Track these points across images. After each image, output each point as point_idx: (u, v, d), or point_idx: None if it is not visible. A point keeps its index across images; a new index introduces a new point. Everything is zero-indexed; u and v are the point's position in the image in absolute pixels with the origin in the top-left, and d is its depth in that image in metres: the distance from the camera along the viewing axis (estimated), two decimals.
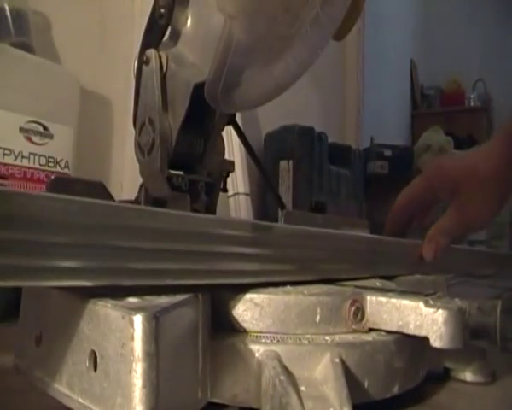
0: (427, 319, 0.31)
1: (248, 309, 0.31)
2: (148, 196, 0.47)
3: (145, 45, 0.46)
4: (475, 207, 0.59)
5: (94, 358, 0.25)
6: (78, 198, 0.23)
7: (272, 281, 0.34)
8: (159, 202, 0.46)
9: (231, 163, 0.52)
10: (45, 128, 0.79)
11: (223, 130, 0.50)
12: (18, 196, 0.21)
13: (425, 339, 0.31)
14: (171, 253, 0.27)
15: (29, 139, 0.76)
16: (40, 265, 0.21)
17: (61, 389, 0.26)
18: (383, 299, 0.33)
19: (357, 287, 0.37)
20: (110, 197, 0.46)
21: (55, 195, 0.22)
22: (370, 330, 0.34)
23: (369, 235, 0.55)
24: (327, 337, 0.31)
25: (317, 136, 1.63)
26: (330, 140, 1.72)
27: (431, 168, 0.64)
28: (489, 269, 0.81)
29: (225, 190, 0.53)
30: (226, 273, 0.30)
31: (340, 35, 0.42)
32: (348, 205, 1.77)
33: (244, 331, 0.31)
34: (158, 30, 0.45)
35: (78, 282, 0.23)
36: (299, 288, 0.34)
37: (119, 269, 0.25)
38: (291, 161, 1.58)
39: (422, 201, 0.64)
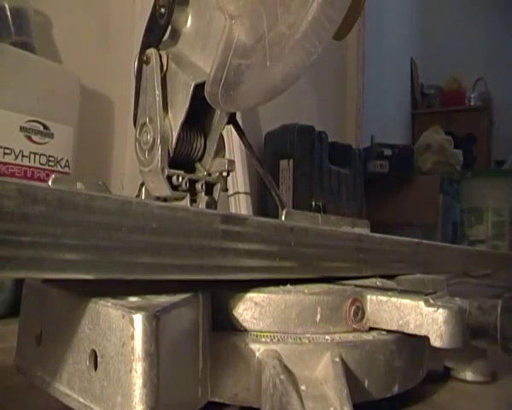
0: (428, 319, 0.31)
1: (248, 308, 0.31)
2: (149, 196, 0.47)
3: (145, 45, 0.46)
4: None
5: (94, 357, 0.25)
6: (82, 191, 0.23)
7: (274, 277, 0.34)
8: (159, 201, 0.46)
9: (231, 162, 0.52)
10: (46, 127, 0.79)
11: (223, 129, 0.50)
12: (19, 188, 0.21)
13: (425, 338, 0.31)
14: (173, 248, 0.27)
15: (29, 138, 0.76)
16: (42, 256, 0.21)
17: (62, 388, 0.26)
18: (383, 298, 0.33)
19: (357, 286, 0.37)
20: None
21: (58, 187, 0.22)
22: (371, 329, 0.34)
23: (370, 233, 0.55)
24: (327, 337, 0.31)
25: (317, 135, 1.63)
26: (330, 139, 1.72)
27: None
28: (489, 269, 0.81)
29: (225, 190, 0.53)
30: (228, 269, 0.30)
31: (340, 35, 0.42)
32: (348, 204, 1.77)
33: (244, 331, 0.31)
34: (158, 29, 0.45)
35: (80, 275, 0.23)
36: (300, 287, 0.34)
37: (121, 263, 0.24)
38: (291, 161, 1.58)
39: None
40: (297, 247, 0.35)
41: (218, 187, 0.50)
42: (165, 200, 0.46)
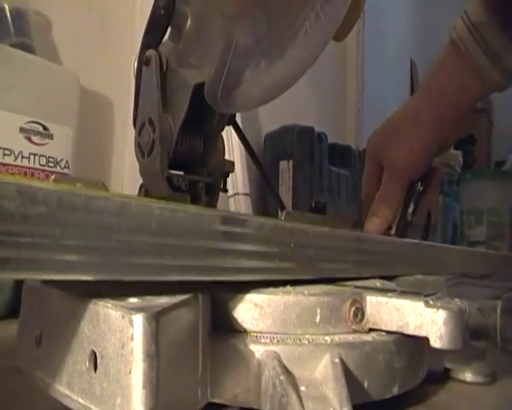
0: (427, 320, 0.31)
1: (248, 309, 0.31)
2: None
3: (145, 45, 0.46)
4: (399, 158, 0.62)
5: (94, 358, 0.25)
6: (80, 191, 0.23)
7: (274, 279, 0.34)
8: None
9: (231, 163, 0.52)
10: (45, 128, 0.79)
11: (223, 130, 0.50)
12: (19, 189, 0.21)
13: (425, 339, 0.31)
14: (173, 249, 0.27)
15: (29, 139, 0.76)
16: (43, 258, 0.21)
17: (61, 389, 0.26)
18: (383, 299, 0.33)
19: (357, 287, 0.37)
20: None
21: (57, 187, 0.22)
22: (370, 330, 0.34)
23: (370, 234, 0.55)
24: (327, 338, 0.31)
25: (316, 136, 1.63)
26: (330, 140, 1.72)
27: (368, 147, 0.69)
28: (489, 269, 0.82)
29: (225, 191, 0.53)
30: (228, 270, 0.30)
31: (340, 35, 0.42)
32: (348, 205, 1.77)
33: (244, 332, 0.31)
34: (158, 30, 0.45)
35: (80, 276, 0.23)
36: (299, 288, 0.34)
37: (120, 264, 0.24)
38: (291, 162, 1.58)
39: (377, 177, 0.67)
40: (297, 248, 0.35)
41: (217, 188, 0.50)
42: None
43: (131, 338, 0.23)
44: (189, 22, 0.46)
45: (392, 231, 0.65)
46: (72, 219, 0.22)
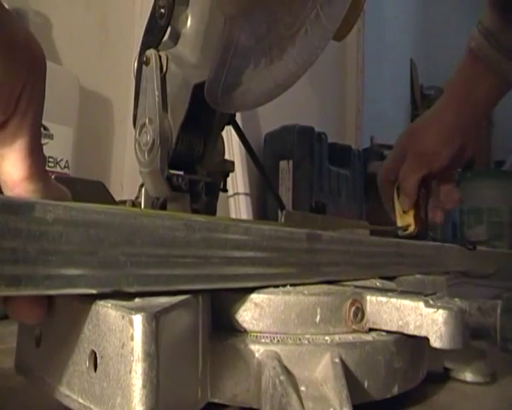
0: (427, 320, 0.31)
1: (248, 309, 0.31)
2: (148, 197, 0.47)
3: (145, 45, 0.46)
4: (423, 146, 0.72)
5: (94, 358, 0.24)
6: (76, 204, 0.23)
7: (278, 284, 0.34)
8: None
9: (231, 163, 0.52)
10: (45, 128, 0.79)
11: (223, 130, 0.50)
12: (21, 205, 0.21)
13: (425, 339, 0.31)
14: (175, 258, 0.27)
15: None
16: (55, 274, 0.22)
17: (61, 389, 0.26)
18: (383, 299, 0.33)
19: (357, 287, 0.37)
20: (110, 197, 0.46)
21: (56, 202, 0.22)
22: (370, 330, 0.34)
23: (370, 236, 0.55)
24: (327, 337, 0.31)
25: (316, 136, 1.63)
26: (330, 140, 1.72)
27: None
28: (489, 269, 0.82)
29: (225, 190, 0.53)
30: (231, 278, 0.30)
31: (340, 35, 0.42)
32: (348, 205, 1.77)
33: (244, 331, 0.31)
34: (158, 30, 0.45)
35: (84, 290, 0.23)
36: (299, 288, 0.34)
37: (123, 276, 0.25)
38: (291, 161, 1.58)
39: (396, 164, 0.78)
40: (302, 253, 0.35)
41: (217, 188, 0.50)
42: (165, 201, 0.46)
43: (131, 338, 0.23)
44: (189, 22, 0.46)
45: (412, 228, 0.72)
46: (84, 235, 0.23)
